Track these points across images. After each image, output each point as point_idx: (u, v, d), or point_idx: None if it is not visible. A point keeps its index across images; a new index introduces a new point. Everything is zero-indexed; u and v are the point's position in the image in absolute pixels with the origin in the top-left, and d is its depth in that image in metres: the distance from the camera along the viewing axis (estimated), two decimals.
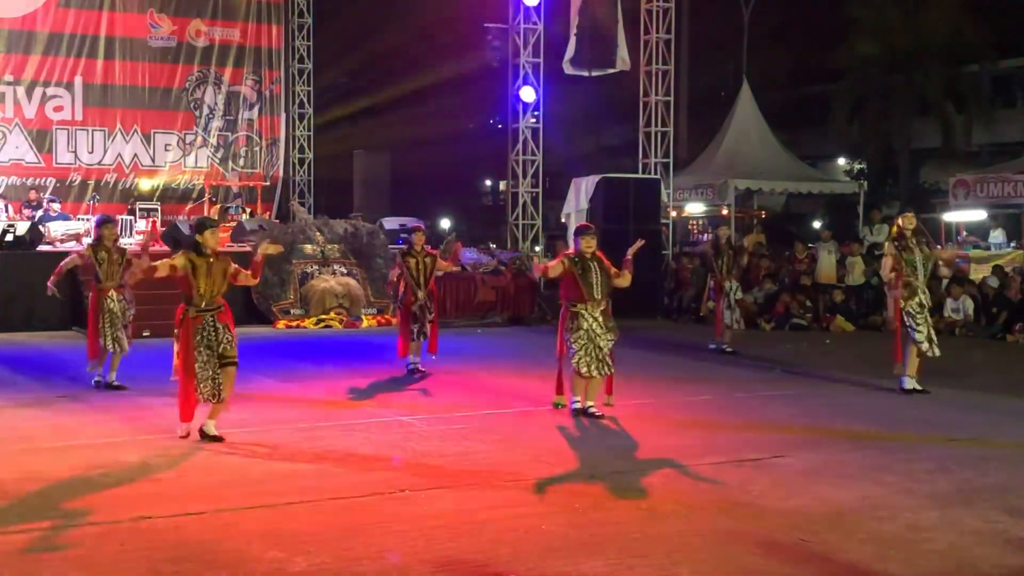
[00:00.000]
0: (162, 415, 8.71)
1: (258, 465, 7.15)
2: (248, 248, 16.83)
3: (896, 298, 10.25)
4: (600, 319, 8.79)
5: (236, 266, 8.18)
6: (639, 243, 9.25)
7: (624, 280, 9.01)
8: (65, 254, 15.47)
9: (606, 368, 8.82)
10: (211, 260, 7.91)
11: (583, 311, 8.75)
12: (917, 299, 10.23)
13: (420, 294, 11.27)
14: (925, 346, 10.23)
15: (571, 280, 8.80)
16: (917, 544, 5.52)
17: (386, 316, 16.41)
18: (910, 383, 10.32)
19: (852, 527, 5.79)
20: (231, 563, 5.11)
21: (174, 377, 7.96)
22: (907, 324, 10.24)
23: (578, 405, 8.94)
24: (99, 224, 10.35)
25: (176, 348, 7.95)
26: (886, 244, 10.52)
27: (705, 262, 13.83)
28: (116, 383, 10.06)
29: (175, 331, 7.98)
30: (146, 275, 8.25)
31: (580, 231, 9.09)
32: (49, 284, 10.26)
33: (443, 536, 5.54)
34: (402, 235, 11.89)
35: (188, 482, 6.67)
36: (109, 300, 10.02)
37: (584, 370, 8.75)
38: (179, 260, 7.84)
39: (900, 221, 10.43)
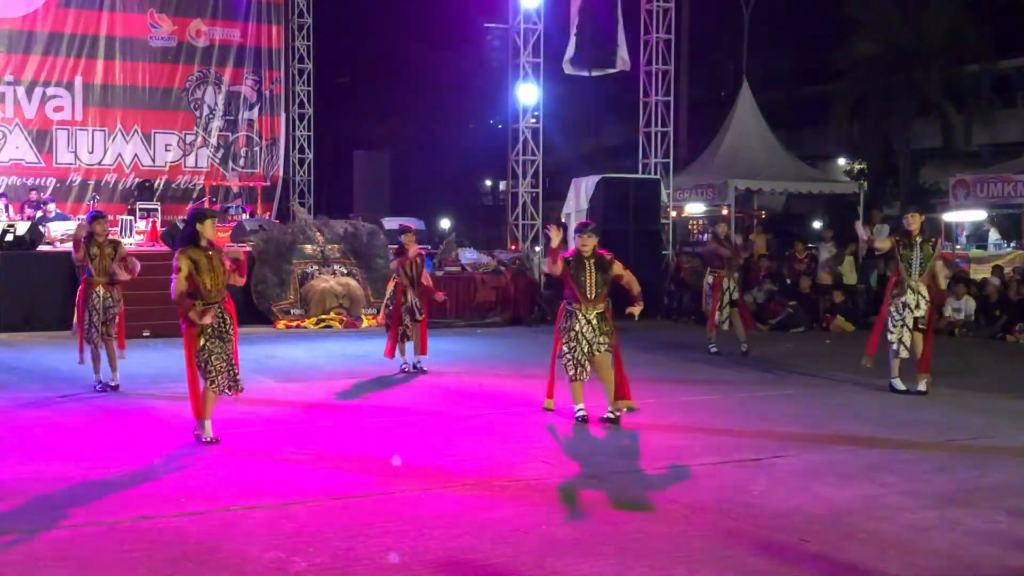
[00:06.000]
0: (162, 415, 8.74)
1: (258, 465, 7.14)
2: (248, 248, 16.88)
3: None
4: (594, 322, 8.61)
5: (228, 262, 8.09)
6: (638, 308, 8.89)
7: (634, 286, 8.81)
8: (66, 254, 15.57)
9: (605, 371, 8.70)
10: (210, 253, 7.77)
11: (578, 312, 8.63)
12: (903, 299, 10.28)
13: (410, 294, 11.33)
14: (895, 345, 10.31)
15: (568, 280, 8.69)
16: (917, 544, 5.52)
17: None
18: (900, 384, 10.35)
19: (852, 527, 5.79)
20: (231, 563, 5.11)
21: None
22: (888, 320, 10.33)
23: (582, 413, 8.70)
24: (90, 220, 10.32)
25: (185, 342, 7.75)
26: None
27: (709, 260, 13.73)
28: (111, 384, 10.05)
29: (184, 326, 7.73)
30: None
31: (579, 229, 8.93)
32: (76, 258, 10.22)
33: (443, 536, 5.54)
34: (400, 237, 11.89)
35: (188, 482, 6.66)
36: (95, 296, 10.01)
37: (571, 372, 8.66)
38: (183, 263, 7.61)
39: (905, 221, 10.49)
